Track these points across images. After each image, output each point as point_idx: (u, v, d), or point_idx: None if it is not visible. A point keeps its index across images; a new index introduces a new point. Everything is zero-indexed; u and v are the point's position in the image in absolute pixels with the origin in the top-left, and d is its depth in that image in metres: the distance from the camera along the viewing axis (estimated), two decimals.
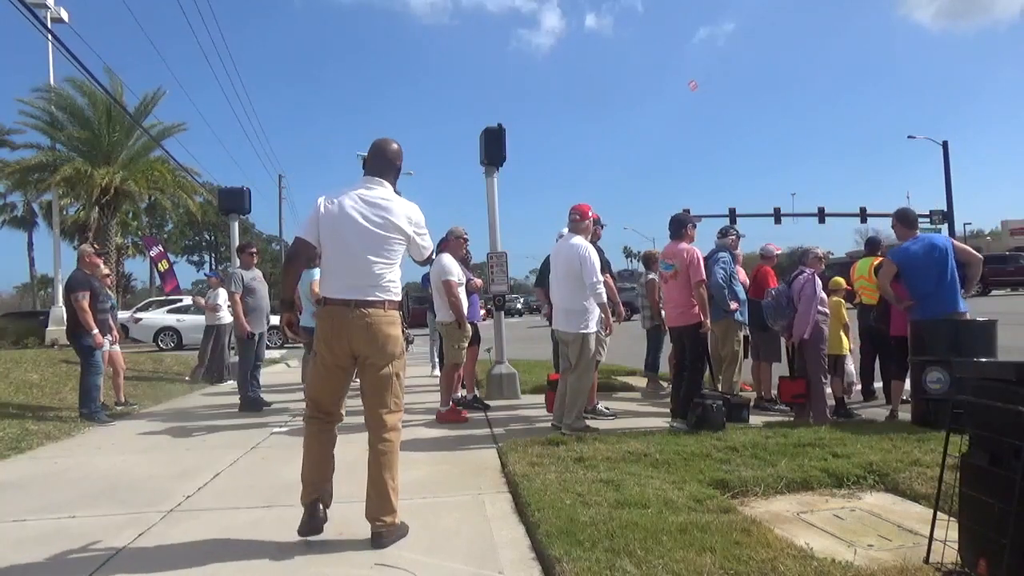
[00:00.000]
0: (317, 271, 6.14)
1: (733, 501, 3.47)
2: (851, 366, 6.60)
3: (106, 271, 7.90)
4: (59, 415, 6.93)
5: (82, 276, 6.87)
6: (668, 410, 6.00)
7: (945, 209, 33.97)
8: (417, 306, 11.78)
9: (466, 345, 6.42)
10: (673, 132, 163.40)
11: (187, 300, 21.80)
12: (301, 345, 8.15)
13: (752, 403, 6.15)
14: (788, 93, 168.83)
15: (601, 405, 6.27)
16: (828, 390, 6.06)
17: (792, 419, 5.90)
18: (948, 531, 2.49)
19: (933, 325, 5.12)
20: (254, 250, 7.94)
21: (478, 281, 7.23)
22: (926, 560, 2.56)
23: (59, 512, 3.70)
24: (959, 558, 2.46)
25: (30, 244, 42.73)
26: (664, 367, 7.75)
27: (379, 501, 3.00)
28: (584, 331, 5.24)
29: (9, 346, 14.66)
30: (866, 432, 4.78)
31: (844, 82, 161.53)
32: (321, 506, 3.09)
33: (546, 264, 6.33)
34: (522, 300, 39.97)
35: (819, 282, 6.08)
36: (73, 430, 6.26)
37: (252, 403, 7.23)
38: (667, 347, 7.19)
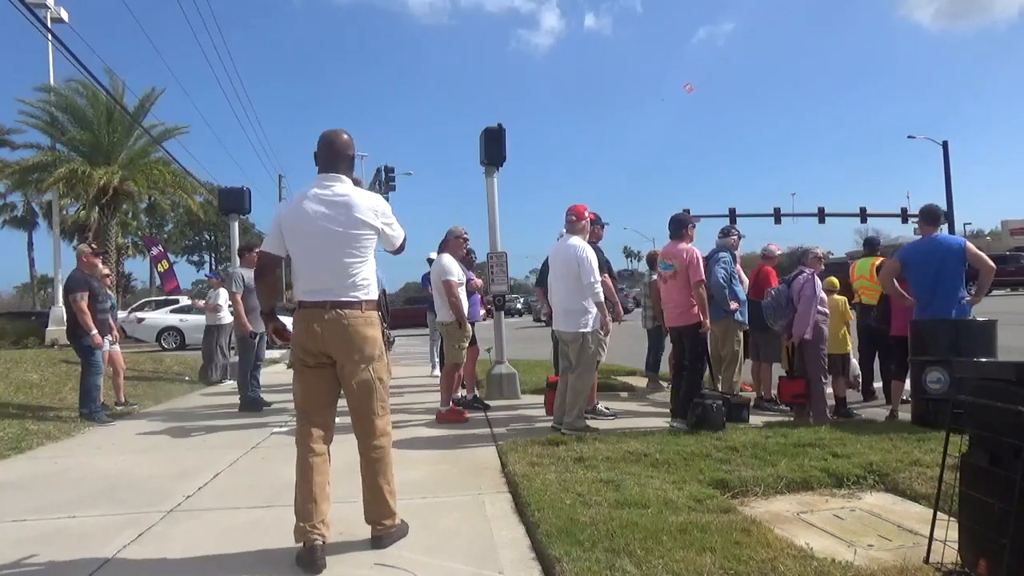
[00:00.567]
0: None
1: (733, 501, 3.47)
2: (854, 359, 6.63)
3: (106, 271, 7.91)
4: (59, 415, 6.93)
5: (80, 276, 6.87)
6: (668, 410, 6.00)
7: (945, 209, 33.86)
8: (410, 306, 11.78)
9: (467, 345, 6.42)
10: (673, 132, 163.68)
11: (184, 300, 21.87)
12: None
13: (752, 403, 6.16)
14: (788, 93, 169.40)
15: (601, 405, 6.27)
16: (828, 390, 6.06)
17: (792, 419, 5.90)
18: (948, 531, 2.48)
19: (933, 325, 5.10)
20: (256, 252, 7.93)
21: (478, 281, 7.23)
22: (926, 560, 2.56)
23: (59, 512, 3.70)
24: (959, 558, 2.46)
25: (30, 244, 42.77)
26: (664, 367, 7.75)
27: (377, 505, 2.97)
28: (583, 330, 5.24)
29: (9, 346, 14.66)
30: (866, 432, 4.77)
31: (844, 82, 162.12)
32: (319, 549, 2.79)
33: (546, 265, 6.33)
34: (522, 300, 39.96)
35: (819, 282, 6.08)
36: (73, 430, 6.26)
37: (252, 403, 7.23)
38: (668, 347, 7.19)
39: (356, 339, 2.88)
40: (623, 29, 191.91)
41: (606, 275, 6.12)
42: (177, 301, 21.79)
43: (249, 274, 7.49)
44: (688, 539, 2.78)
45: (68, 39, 20.45)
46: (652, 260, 8.22)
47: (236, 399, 7.55)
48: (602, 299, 5.30)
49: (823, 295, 6.11)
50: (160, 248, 23.57)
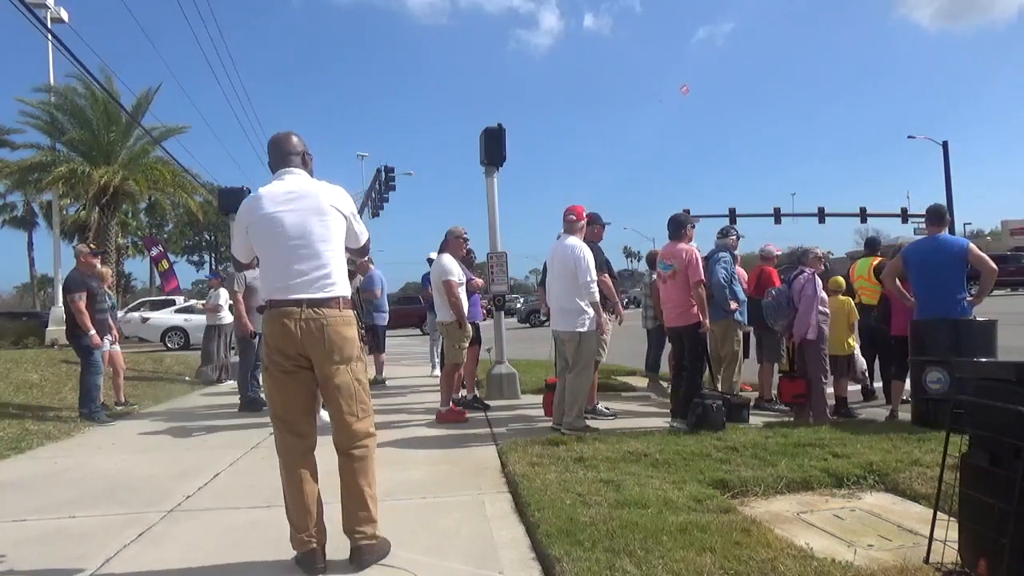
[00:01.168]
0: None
1: (733, 501, 3.47)
2: (859, 354, 6.65)
3: (106, 271, 7.91)
4: (59, 415, 6.93)
5: (79, 277, 6.88)
6: (668, 410, 6.00)
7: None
8: (407, 306, 11.79)
9: (467, 345, 6.42)
10: (673, 132, 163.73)
11: (180, 300, 21.90)
12: None
13: (752, 403, 6.16)
14: (788, 93, 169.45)
15: (601, 405, 6.27)
16: (829, 390, 6.07)
17: (792, 419, 5.91)
18: (948, 531, 2.48)
19: (933, 325, 5.09)
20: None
21: (479, 281, 7.23)
22: (926, 560, 2.56)
23: (59, 512, 3.70)
24: (959, 558, 2.46)
25: (30, 244, 42.79)
26: (664, 367, 7.75)
27: (356, 509, 2.74)
28: (580, 330, 5.25)
29: (9, 346, 14.65)
30: (866, 432, 4.77)
31: (844, 82, 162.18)
32: (319, 552, 2.77)
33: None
34: (522, 300, 39.99)
35: (819, 282, 6.08)
36: (73, 430, 6.26)
37: (252, 403, 7.23)
38: (668, 347, 7.19)
39: (335, 339, 2.72)
40: (622, 29, 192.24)
41: (606, 275, 6.12)
42: (173, 302, 21.83)
43: (251, 274, 7.50)
44: (688, 539, 2.77)
45: (68, 39, 20.50)
46: (651, 260, 8.23)
47: (236, 399, 7.55)
48: (597, 299, 5.31)
49: (823, 295, 6.11)
50: (160, 248, 23.60)
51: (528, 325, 27.21)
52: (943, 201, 34.04)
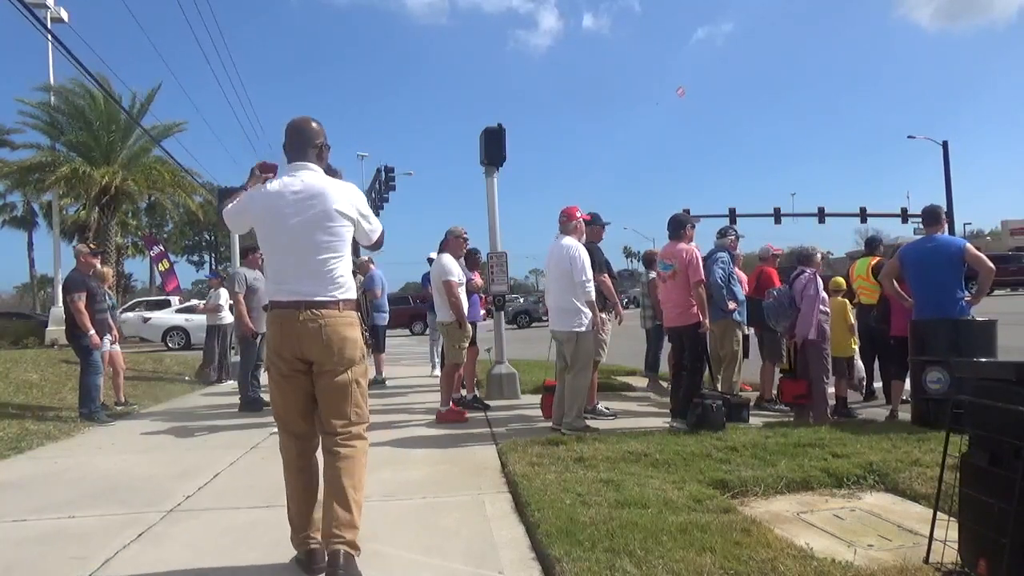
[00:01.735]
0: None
1: (733, 501, 3.47)
2: (859, 361, 6.64)
3: (107, 271, 7.90)
4: (59, 415, 6.93)
5: (78, 277, 6.88)
6: (668, 410, 6.00)
7: (945, 209, 33.86)
8: (394, 306, 11.77)
9: (467, 345, 6.42)
10: (673, 132, 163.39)
11: (175, 301, 21.89)
12: None
13: (752, 403, 6.16)
14: (788, 93, 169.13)
15: (601, 405, 6.27)
16: (830, 390, 6.06)
17: (792, 419, 5.91)
18: (948, 531, 2.49)
19: (933, 325, 5.09)
20: (260, 252, 7.94)
21: (479, 280, 7.24)
22: (926, 560, 2.56)
23: (59, 512, 3.70)
24: (959, 558, 2.46)
25: (30, 244, 42.73)
26: (664, 367, 7.75)
27: (338, 511, 2.56)
28: (578, 330, 5.25)
29: (9, 346, 14.66)
30: (866, 432, 4.77)
31: (843, 82, 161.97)
32: (319, 552, 2.69)
33: None
34: (522, 300, 40.02)
35: (820, 282, 6.08)
36: (73, 430, 6.26)
37: (252, 403, 7.23)
38: (667, 346, 7.19)
39: (334, 340, 2.66)
40: (622, 29, 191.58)
41: (605, 275, 6.13)
42: (169, 302, 21.82)
43: (252, 274, 7.51)
44: (688, 539, 2.78)
45: (68, 39, 20.47)
46: (649, 259, 8.23)
47: (236, 399, 7.55)
48: (593, 298, 5.32)
49: (825, 295, 6.11)
50: (160, 248, 23.56)
51: (516, 326, 26.96)
52: (943, 201, 34.11)
